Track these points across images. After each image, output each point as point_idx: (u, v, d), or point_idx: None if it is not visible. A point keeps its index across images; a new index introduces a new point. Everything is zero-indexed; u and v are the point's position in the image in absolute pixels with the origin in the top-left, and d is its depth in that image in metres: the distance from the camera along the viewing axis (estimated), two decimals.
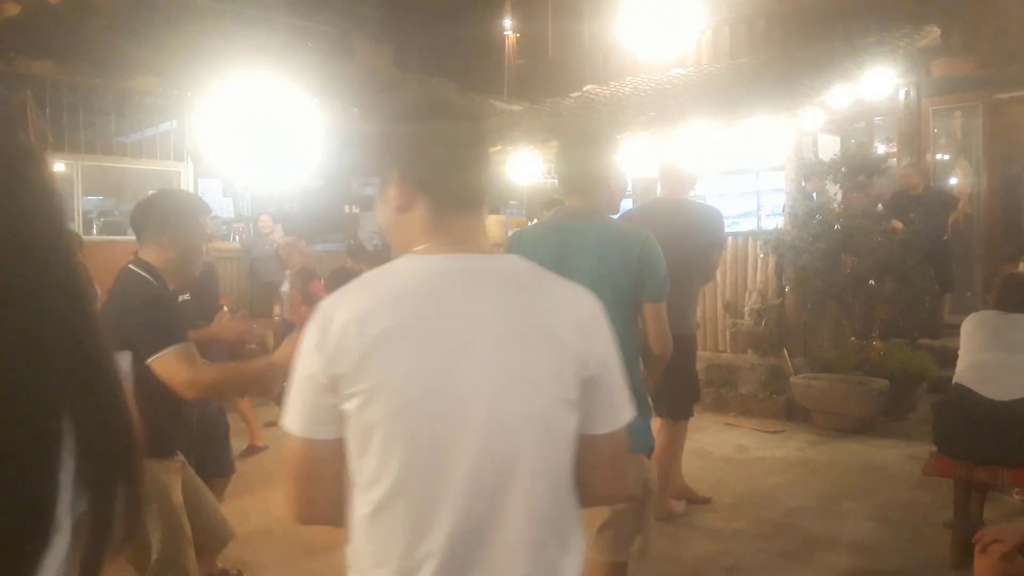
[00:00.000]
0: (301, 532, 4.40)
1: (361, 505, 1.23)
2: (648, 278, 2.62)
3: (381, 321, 1.20)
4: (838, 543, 4.18)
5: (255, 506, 4.53)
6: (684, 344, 4.02)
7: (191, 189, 8.63)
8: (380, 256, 9.51)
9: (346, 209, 11.07)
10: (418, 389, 1.19)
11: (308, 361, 1.21)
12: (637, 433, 2.36)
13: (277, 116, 7.98)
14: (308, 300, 6.69)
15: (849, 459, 5.41)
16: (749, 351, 6.63)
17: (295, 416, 1.24)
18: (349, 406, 1.19)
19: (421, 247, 1.28)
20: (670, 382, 4.00)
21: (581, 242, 2.63)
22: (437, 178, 1.29)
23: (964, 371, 4.01)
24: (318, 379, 1.20)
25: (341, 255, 8.92)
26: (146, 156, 8.66)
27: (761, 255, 6.66)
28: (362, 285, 1.26)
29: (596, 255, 2.60)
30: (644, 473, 2.69)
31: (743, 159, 7.79)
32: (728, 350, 6.80)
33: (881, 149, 8.24)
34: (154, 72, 7.94)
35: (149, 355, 2.39)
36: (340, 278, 8.54)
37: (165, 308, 2.53)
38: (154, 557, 2.48)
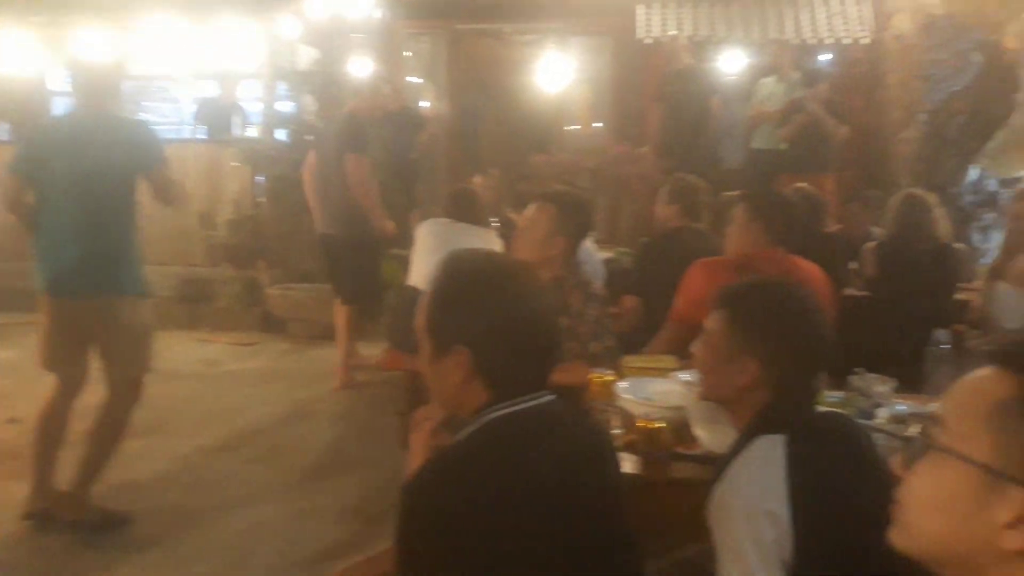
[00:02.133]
0: None
1: None
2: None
3: None
4: (306, 443, 4.29)
5: None
6: None
7: None
8: None
9: None
10: None
11: None
12: (137, 280, 3.29)
13: None
14: None
15: (321, 364, 5.58)
16: (225, 264, 6.42)
17: None
18: None
19: None
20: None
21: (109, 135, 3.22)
22: None
23: (415, 273, 4.35)
24: None
25: None
26: None
27: (236, 164, 6.41)
28: None
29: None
30: (146, 311, 3.37)
31: (220, 63, 7.35)
32: (203, 264, 6.50)
33: (359, 66, 8.46)
34: None
35: None
36: None
37: None
38: None
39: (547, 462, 1.37)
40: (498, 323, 1.39)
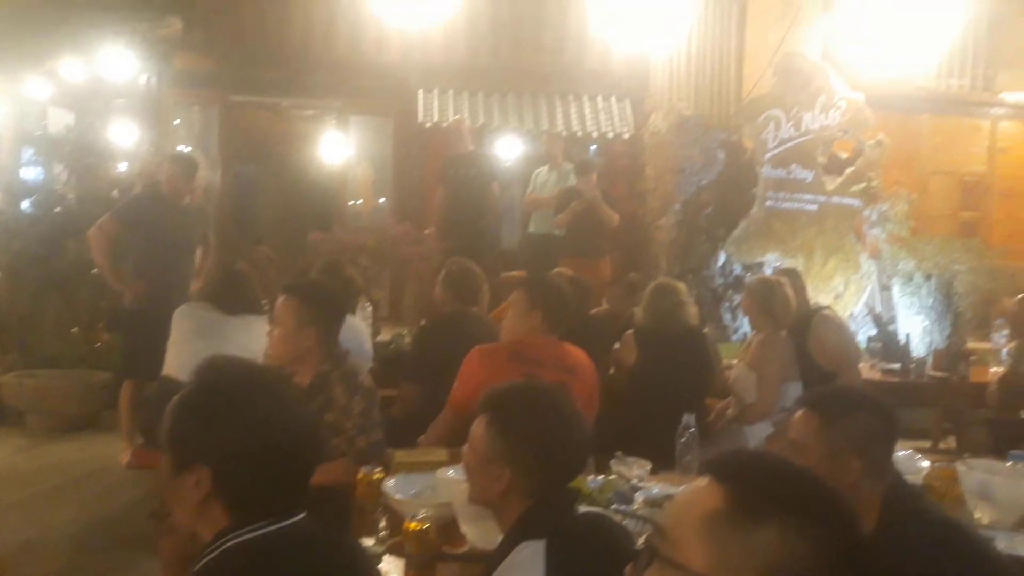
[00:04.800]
0: None
1: None
2: None
3: None
4: (41, 549, 3.79)
5: None
6: None
7: None
8: None
9: None
10: None
11: None
12: None
13: None
14: None
15: (64, 460, 5.01)
16: None
17: None
18: None
19: None
20: None
21: None
22: None
23: (170, 363, 4.00)
24: None
25: None
26: None
27: None
28: None
29: None
30: None
31: None
32: None
33: (123, 133, 7.93)
34: None
35: None
36: None
37: None
38: None
39: None
40: (247, 445, 1.28)
